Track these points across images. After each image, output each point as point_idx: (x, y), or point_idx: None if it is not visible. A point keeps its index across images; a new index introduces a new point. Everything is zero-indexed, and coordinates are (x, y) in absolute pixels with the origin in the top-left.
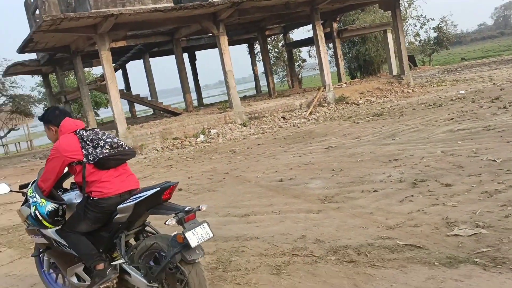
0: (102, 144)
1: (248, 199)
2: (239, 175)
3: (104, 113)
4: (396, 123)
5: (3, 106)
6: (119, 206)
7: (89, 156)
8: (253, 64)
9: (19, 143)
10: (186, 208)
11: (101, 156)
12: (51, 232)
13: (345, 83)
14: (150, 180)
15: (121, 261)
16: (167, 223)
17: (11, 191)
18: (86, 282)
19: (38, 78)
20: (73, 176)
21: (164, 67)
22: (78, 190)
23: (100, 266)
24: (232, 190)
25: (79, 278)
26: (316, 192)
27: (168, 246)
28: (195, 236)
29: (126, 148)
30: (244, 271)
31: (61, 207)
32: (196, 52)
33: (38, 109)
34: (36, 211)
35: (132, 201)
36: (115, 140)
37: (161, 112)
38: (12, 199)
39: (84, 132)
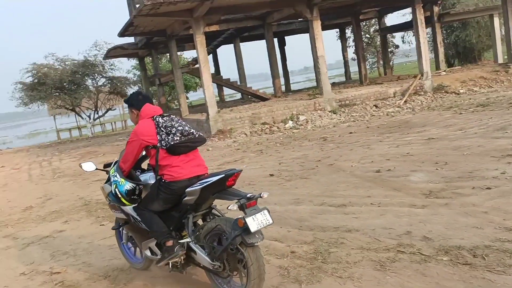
0: (174, 132)
1: (344, 188)
2: (332, 163)
3: (192, 96)
4: (505, 115)
5: (103, 87)
6: (188, 189)
7: (162, 141)
8: (344, 49)
9: (114, 122)
10: (248, 195)
11: (172, 143)
12: (129, 208)
13: (444, 70)
14: (241, 163)
15: (188, 239)
16: (229, 208)
17: (96, 169)
18: (158, 256)
19: (133, 61)
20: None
21: (251, 52)
22: (152, 171)
23: (169, 243)
24: (326, 178)
25: (152, 251)
26: (419, 186)
27: (230, 229)
28: (255, 222)
29: (197, 135)
30: (345, 264)
31: (137, 187)
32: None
33: (133, 91)
34: (116, 189)
35: (199, 186)
36: (186, 128)
37: (249, 96)
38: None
39: (160, 118)
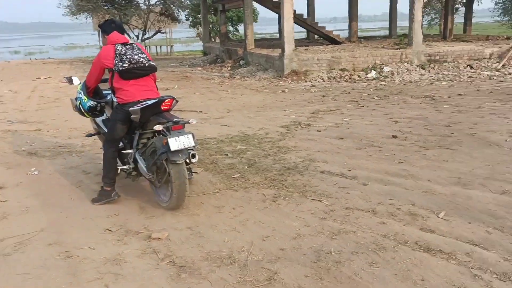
0: (124, 59)
1: None
2: (471, 133)
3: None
4: None
5: (154, 7)
6: (131, 108)
7: (115, 66)
8: None
9: (160, 46)
10: (175, 119)
11: (121, 68)
12: (99, 120)
13: None
14: (339, 114)
15: (132, 151)
16: (154, 127)
17: (80, 83)
18: (121, 165)
19: None
20: None
21: None
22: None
23: (108, 188)
24: (479, 153)
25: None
26: None
27: (161, 147)
28: (177, 143)
29: (146, 64)
30: None
31: (99, 104)
32: None
33: (182, 16)
34: (80, 105)
35: (139, 106)
36: (135, 57)
37: (316, 37)
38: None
39: (120, 46)
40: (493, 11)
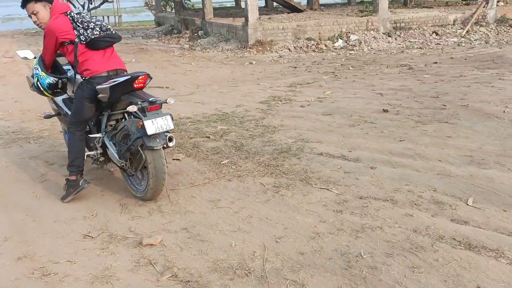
0: (92, 26)
1: None
2: (464, 104)
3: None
4: None
5: None
6: (98, 87)
7: (81, 36)
8: None
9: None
10: (151, 99)
11: (93, 37)
12: (59, 100)
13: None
14: (318, 87)
15: (100, 135)
16: (128, 109)
17: (35, 57)
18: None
19: None
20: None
21: None
22: (72, 68)
23: (73, 177)
24: (481, 127)
25: None
26: None
27: (135, 130)
28: (154, 125)
29: (113, 32)
30: None
31: (60, 80)
32: None
33: None
34: (38, 82)
35: (108, 84)
36: (103, 23)
37: (275, 5)
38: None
39: (74, 14)
40: None
